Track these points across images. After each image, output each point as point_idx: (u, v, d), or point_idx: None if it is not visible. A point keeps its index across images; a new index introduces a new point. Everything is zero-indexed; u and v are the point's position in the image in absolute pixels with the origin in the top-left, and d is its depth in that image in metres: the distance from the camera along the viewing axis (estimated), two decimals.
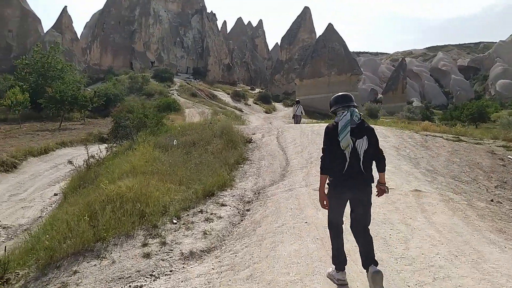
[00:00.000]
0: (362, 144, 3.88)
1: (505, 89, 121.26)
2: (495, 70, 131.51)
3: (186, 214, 5.80)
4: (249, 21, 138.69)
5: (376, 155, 4.01)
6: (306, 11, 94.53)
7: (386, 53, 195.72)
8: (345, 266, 4.02)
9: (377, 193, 4.12)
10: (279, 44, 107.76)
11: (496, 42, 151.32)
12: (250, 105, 65.80)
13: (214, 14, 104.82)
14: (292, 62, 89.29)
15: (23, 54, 49.74)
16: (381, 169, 4.07)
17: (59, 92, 30.15)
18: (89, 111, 38.39)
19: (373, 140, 3.97)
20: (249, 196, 6.97)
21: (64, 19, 71.58)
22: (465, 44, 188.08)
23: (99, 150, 13.45)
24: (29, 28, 69.47)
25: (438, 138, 10.12)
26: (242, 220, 5.75)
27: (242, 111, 57.25)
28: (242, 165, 9.11)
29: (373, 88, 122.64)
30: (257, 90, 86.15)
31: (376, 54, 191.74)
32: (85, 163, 13.11)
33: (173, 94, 58.18)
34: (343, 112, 3.99)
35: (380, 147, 4.11)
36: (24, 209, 10.44)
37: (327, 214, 4.08)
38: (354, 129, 3.88)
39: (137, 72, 69.61)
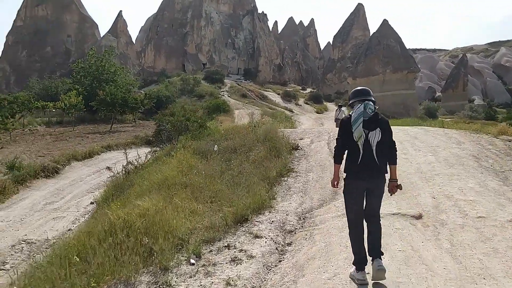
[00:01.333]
0: (375, 136, 3.96)
1: None
2: None
3: (209, 250, 4.49)
4: (301, 21, 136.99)
5: (389, 147, 4.11)
6: (359, 8, 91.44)
7: (444, 50, 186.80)
8: (366, 266, 3.98)
9: (389, 191, 4.15)
10: (331, 43, 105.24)
11: None
12: (301, 105, 64.29)
13: (265, 14, 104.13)
14: (344, 61, 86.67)
15: (81, 59, 51.37)
16: (393, 161, 4.16)
17: (110, 94, 30.34)
18: (141, 113, 38.81)
19: (387, 132, 4.06)
20: (291, 222, 5.54)
21: (119, 23, 73.56)
22: None
23: (137, 155, 12.69)
24: (87, 33, 72.01)
25: None
26: (280, 261, 4.36)
27: (293, 112, 55.92)
28: (285, 178, 7.79)
29: (431, 86, 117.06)
30: (309, 90, 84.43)
31: (434, 50, 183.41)
32: (123, 169, 12.44)
33: (223, 95, 57.93)
34: (358, 106, 4.07)
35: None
36: (55, 220, 9.80)
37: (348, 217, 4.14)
38: (367, 121, 3.96)
39: (189, 74, 70.17)
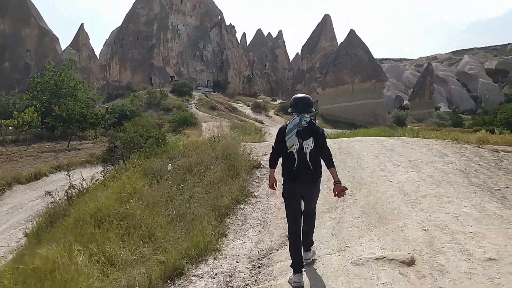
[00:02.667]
0: (308, 144, 4.23)
1: None
2: None
3: None
4: (269, 32, 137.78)
5: (323, 154, 4.32)
6: (326, 19, 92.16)
7: (410, 59, 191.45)
8: (302, 269, 4.14)
9: (336, 194, 4.28)
10: (299, 53, 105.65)
11: None
12: (271, 117, 63.52)
13: (233, 26, 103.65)
14: (313, 71, 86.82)
15: (38, 73, 49.06)
16: (330, 164, 4.29)
17: (66, 110, 28.46)
18: (103, 128, 36.98)
19: (319, 141, 4.29)
20: (242, 274, 4.18)
21: (81, 36, 71.15)
22: (491, 46, 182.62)
23: (81, 177, 11.17)
24: (47, 47, 69.32)
25: None
26: None
27: (263, 123, 54.98)
28: (242, 206, 6.56)
29: (398, 94, 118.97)
30: (279, 101, 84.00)
31: (400, 60, 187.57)
32: (65, 194, 10.93)
33: (191, 108, 56.55)
34: (295, 117, 4.34)
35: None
36: None
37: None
38: (301, 131, 4.23)
39: (157, 87, 68.38)
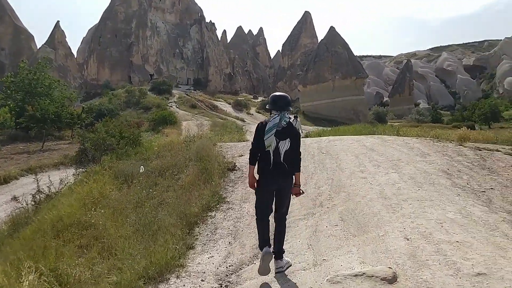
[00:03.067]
0: (284, 145, 4.32)
1: None
2: (502, 67, 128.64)
3: None
4: (250, 30, 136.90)
5: (295, 156, 4.39)
6: (306, 16, 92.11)
7: (389, 56, 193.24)
8: (268, 245, 4.29)
9: (294, 194, 4.46)
10: (280, 51, 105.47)
11: (501, 40, 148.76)
12: (252, 114, 63.07)
13: (213, 23, 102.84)
14: (294, 69, 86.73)
15: (11, 72, 47.61)
16: (297, 169, 4.45)
17: (40, 110, 27.52)
18: (81, 128, 36.01)
19: (295, 144, 4.38)
20: None
21: (57, 34, 69.45)
22: (469, 43, 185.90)
23: (50, 181, 10.58)
24: (22, 45, 67.48)
25: (496, 153, 7.21)
26: None
27: (244, 121, 54.50)
28: (213, 213, 6.09)
29: (378, 91, 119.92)
30: (260, 98, 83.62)
31: (380, 57, 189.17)
32: (33, 199, 10.34)
33: (171, 106, 55.70)
34: (275, 115, 4.36)
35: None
36: None
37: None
38: (280, 131, 4.30)
39: (136, 86, 67.23)
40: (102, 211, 6.10)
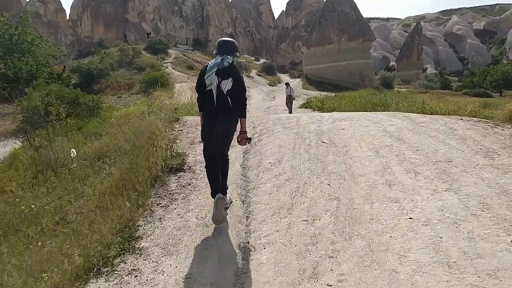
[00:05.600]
0: (227, 84, 4.26)
1: None
2: None
3: None
4: None
5: (239, 99, 4.37)
6: None
7: (397, 18, 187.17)
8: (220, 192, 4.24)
9: (239, 140, 4.44)
10: (284, 11, 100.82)
11: None
12: (252, 77, 60.04)
13: None
14: (298, 29, 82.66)
15: None
16: (242, 115, 4.42)
17: (12, 68, 24.84)
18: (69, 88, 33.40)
19: (238, 87, 4.34)
20: None
21: None
22: (480, 6, 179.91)
23: None
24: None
25: None
26: None
27: None
28: (104, 285, 3.20)
29: (385, 55, 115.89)
30: (262, 60, 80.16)
31: (387, 19, 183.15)
32: None
33: (167, 67, 52.66)
34: (217, 58, 4.37)
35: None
36: None
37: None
38: (221, 70, 4.26)
39: (132, 45, 63.77)
40: None
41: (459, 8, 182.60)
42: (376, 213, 3.71)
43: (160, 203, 4.64)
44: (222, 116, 4.16)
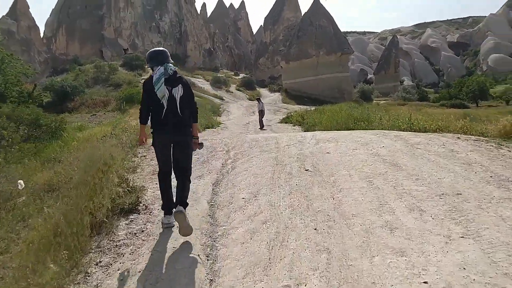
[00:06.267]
0: (178, 91, 4.17)
1: (498, 64, 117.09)
2: (487, 44, 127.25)
3: None
4: (231, 3, 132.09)
5: (190, 106, 4.27)
6: None
7: (373, 32, 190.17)
8: (172, 211, 4.23)
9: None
10: (263, 26, 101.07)
11: (485, 16, 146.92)
12: (232, 92, 59.44)
13: None
14: (277, 44, 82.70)
15: None
16: (194, 119, 4.35)
17: None
18: (41, 107, 32.26)
19: (188, 92, 4.26)
20: None
21: (19, 4, 63.78)
22: (453, 19, 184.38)
23: None
24: None
25: None
26: None
27: (223, 99, 50.93)
28: None
29: (363, 68, 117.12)
30: (242, 75, 79.78)
31: (364, 33, 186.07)
32: None
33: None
34: (158, 67, 4.21)
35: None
36: None
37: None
38: (169, 79, 4.15)
39: (109, 61, 62.50)
40: None
41: (433, 21, 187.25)
42: (379, 273, 2.83)
43: (100, 261, 3.58)
44: (178, 125, 4.06)
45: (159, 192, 4.37)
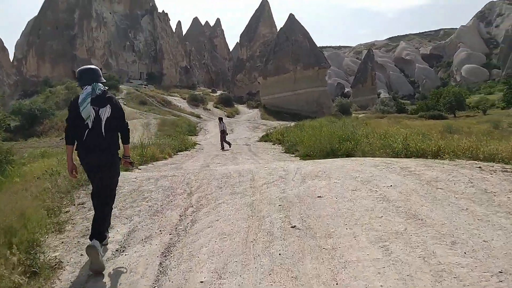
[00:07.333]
0: (105, 112, 3.95)
1: (471, 74, 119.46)
2: (459, 55, 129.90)
3: None
4: (206, 21, 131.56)
5: (120, 126, 4.08)
6: (264, 4, 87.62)
7: (349, 46, 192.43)
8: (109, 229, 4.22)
9: (122, 163, 4.22)
10: (239, 42, 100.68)
11: (456, 28, 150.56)
12: (209, 110, 58.25)
13: (166, 14, 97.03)
14: (254, 60, 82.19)
15: None
16: (125, 141, 4.19)
17: None
18: (8, 131, 30.68)
19: (117, 112, 4.03)
20: None
21: None
22: (425, 32, 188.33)
23: None
24: None
25: None
26: None
27: (201, 117, 49.65)
28: None
29: (340, 82, 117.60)
30: (219, 92, 78.78)
31: (339, 47, 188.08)
32: None
33: None
34: (86, 87, 4.00)
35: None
36: None
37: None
38: (96, 99, 3.93)
39: None
40: None
41: (405, 34, 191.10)
42: None
43: None
44: (100, 147, 3.83)
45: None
